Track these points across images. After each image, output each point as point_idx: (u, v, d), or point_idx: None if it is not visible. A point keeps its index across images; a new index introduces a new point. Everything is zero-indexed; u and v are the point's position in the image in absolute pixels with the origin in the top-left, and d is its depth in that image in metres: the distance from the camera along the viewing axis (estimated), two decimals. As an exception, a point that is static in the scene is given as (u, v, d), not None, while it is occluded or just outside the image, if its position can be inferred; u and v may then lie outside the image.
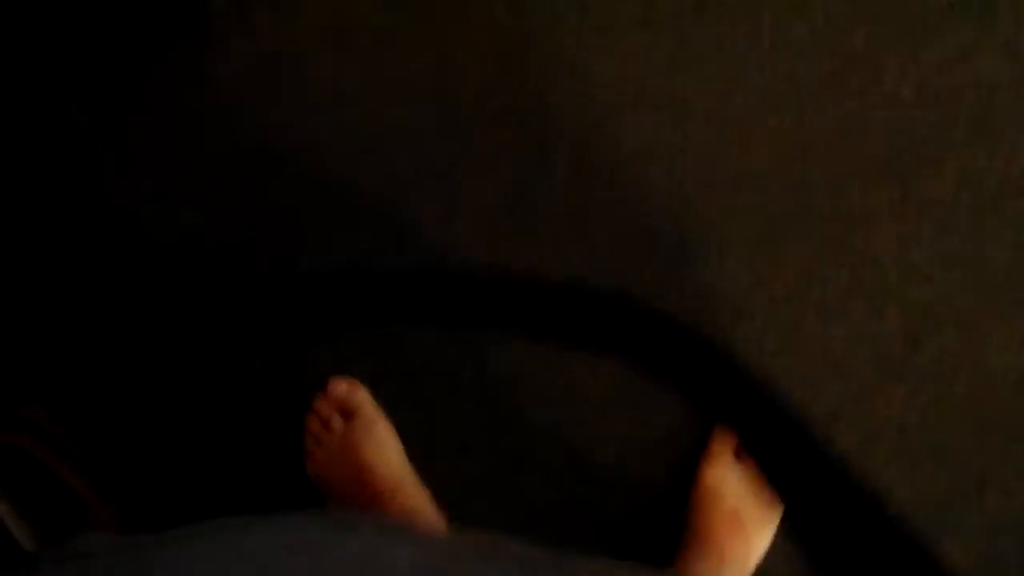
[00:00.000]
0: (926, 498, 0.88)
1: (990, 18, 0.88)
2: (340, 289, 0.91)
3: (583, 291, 0.89)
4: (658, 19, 0.89)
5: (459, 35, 0.91)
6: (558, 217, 0.90)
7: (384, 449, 0.84)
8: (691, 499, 0.84)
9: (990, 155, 0.88)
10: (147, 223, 0.93)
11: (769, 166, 0.89)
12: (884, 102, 0.89)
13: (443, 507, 0.85)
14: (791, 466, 0.86)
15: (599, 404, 0.89)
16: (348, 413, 0.86)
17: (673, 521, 0.86)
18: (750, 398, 0.88)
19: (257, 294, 0.92)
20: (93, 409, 0.93)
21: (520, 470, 0.89)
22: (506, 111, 0.91)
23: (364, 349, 0.90)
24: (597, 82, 0.90)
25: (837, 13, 0.89)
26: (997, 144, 0.88)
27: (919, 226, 0.88)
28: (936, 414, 0.88)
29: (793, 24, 0.89)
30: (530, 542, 0.46)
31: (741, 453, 0.84)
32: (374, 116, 0.91)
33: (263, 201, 0.92)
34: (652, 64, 0.90)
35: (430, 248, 0.90)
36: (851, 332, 0.88)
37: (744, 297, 0.89)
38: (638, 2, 0.89)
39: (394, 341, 0.90)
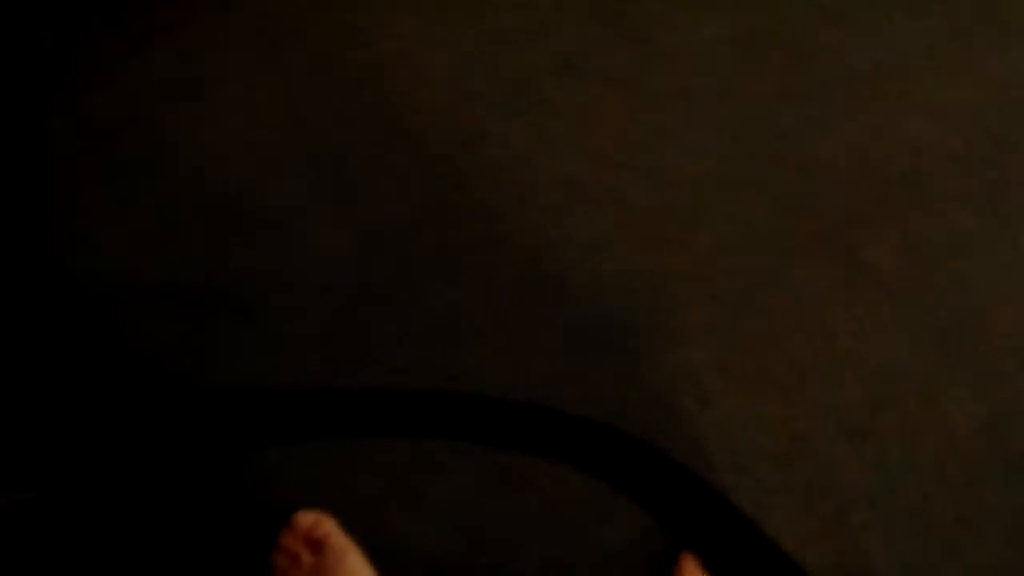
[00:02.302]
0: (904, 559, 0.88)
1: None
2: (300, 405, 0.87)
3: (547, 407, 0.88)
4: (595, 115, 0.92)
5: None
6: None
7: (358, 577, 0.79)
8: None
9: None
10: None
11: (715, 248, 0.91)
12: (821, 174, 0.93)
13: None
14: None
15: (572, 517, 0.86)
16: (317, 545, 0.80)
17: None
18: (715, 518, 0.87)
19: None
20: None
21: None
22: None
23: (324, 478, 0.85)
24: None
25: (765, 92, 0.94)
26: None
27: (865, 293, 0.92)
28: (904, 475, 0.89)
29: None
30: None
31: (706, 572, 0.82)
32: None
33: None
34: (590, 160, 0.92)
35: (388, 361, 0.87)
36: (812, 406, 0.89)
37: (706, 383, 0.89)
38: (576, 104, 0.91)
39: (354, 465, 0.86)
